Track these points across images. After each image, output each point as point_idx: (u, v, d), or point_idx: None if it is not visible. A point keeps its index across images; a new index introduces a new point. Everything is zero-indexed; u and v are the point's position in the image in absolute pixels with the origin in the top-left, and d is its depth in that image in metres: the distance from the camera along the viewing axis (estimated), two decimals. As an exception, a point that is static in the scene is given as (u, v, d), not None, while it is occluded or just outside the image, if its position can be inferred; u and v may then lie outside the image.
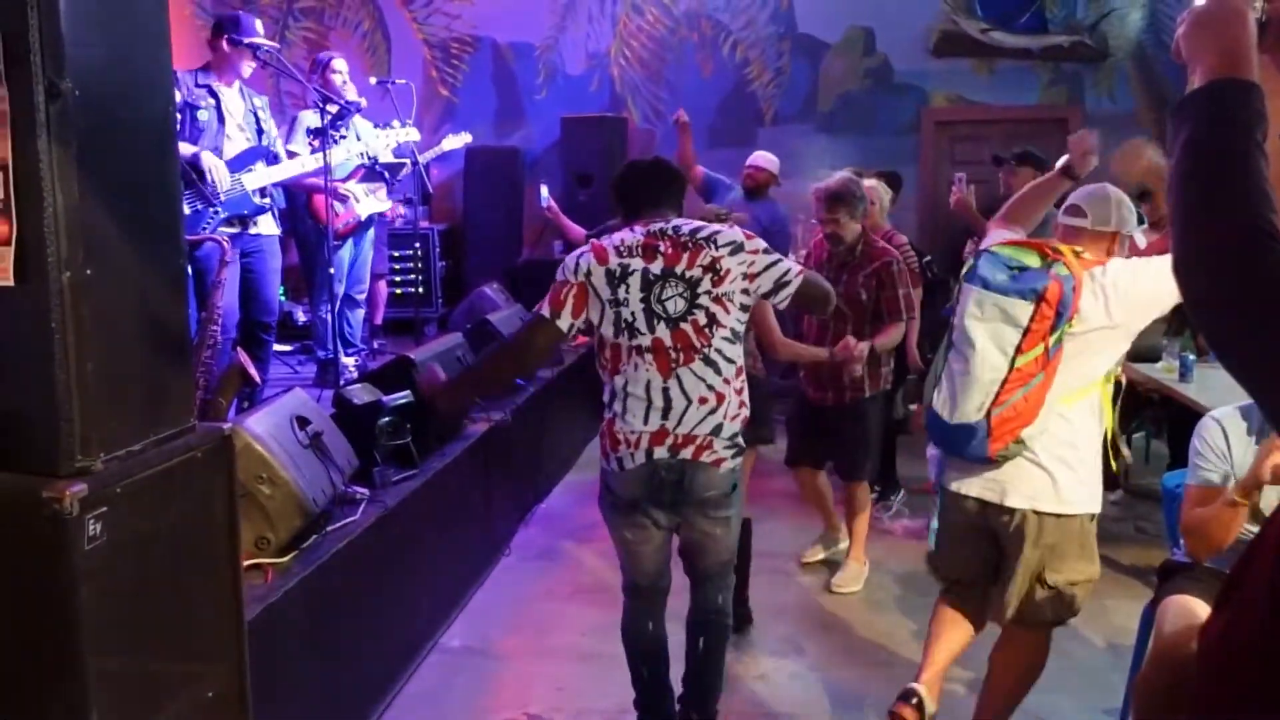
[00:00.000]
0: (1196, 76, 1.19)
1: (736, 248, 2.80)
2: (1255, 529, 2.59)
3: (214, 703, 2.28)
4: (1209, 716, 1.27)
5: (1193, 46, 1.20)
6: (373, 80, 5.59)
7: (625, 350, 2.81)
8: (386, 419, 3.69)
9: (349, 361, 5.33)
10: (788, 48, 7.87)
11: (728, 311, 2.79)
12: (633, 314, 2.78)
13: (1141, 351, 5.27)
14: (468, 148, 7.23)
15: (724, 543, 2.99)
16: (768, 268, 2.83)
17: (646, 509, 2.90)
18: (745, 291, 2.81)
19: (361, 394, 3.74)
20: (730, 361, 2.83)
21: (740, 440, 2.91)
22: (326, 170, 4.41)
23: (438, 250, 7.35)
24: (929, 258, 5.51)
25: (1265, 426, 2.67)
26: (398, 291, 7.39)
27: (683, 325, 2.77)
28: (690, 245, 2.79)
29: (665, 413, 2.79)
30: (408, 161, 5.38)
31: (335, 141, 4.52)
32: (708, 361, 2.79)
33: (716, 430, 2.82)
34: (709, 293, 2.77)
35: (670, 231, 2.82)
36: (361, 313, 5.70)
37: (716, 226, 2.87)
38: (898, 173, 5.77)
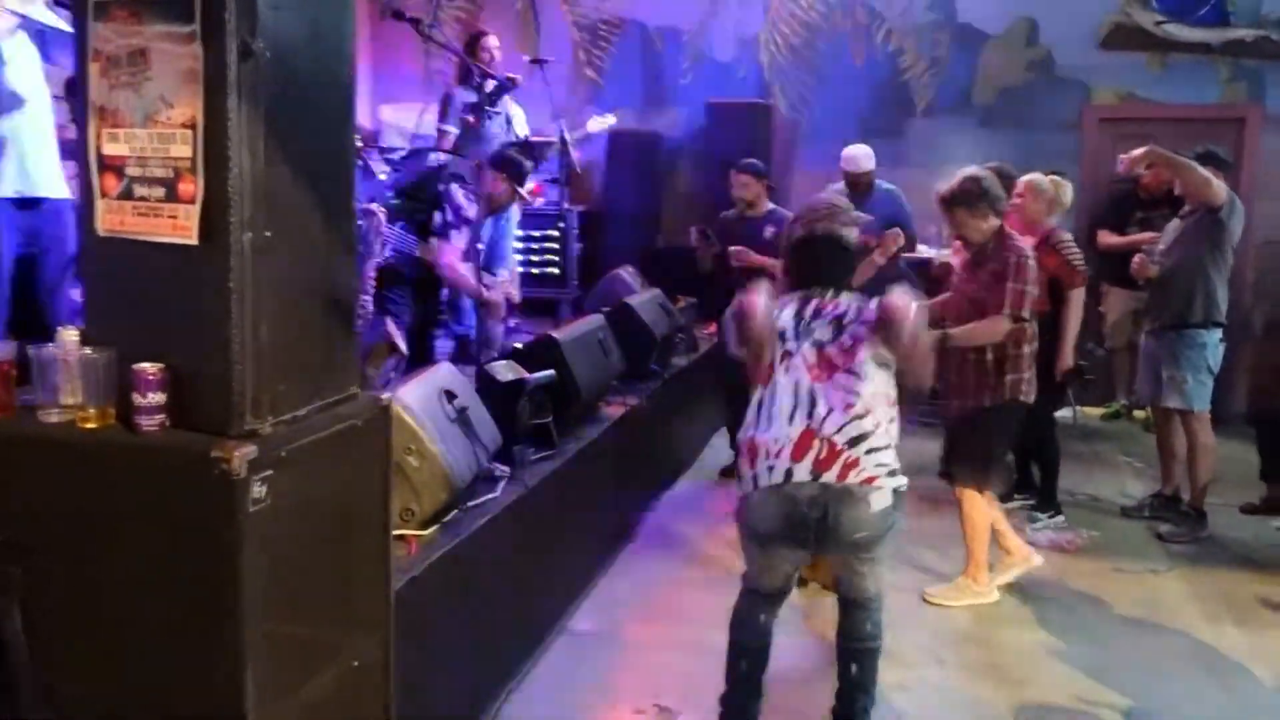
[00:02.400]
0: None
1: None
2: None
3: (358, 672, 2.30)
4: None
5: None
6: (526, 58, 5.58)
7: (776, 359, 2.89)
8: (529, 397, 3.68)
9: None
10: (945, 37, 7.59)
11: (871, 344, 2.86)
12: (783, 329, 2.90)
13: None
14: (610, 131, 7.22)
15: (873, 576, 2.95)
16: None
17: (781, 549, 2.90)
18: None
19: (505, 371, 3.73)
20: (875, 381, 2.84)
21: (896, 465, 2.84)
22: (484, 145, 4.42)
23: (575, 232, 7.35)
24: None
25: None
26: (534, 271, 7.41)
27: (828, 348, 2.87)
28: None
29: (810, 412, 2.79)
30: (555, 140, 5.37)
31: (490, 117, 4.53)
32: (852, 372, 2.84)
33: (863, 443, 2.77)
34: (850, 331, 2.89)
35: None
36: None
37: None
38: (1216, 152, 5.25)
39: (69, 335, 2.01)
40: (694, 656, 3.58)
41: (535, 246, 7.37)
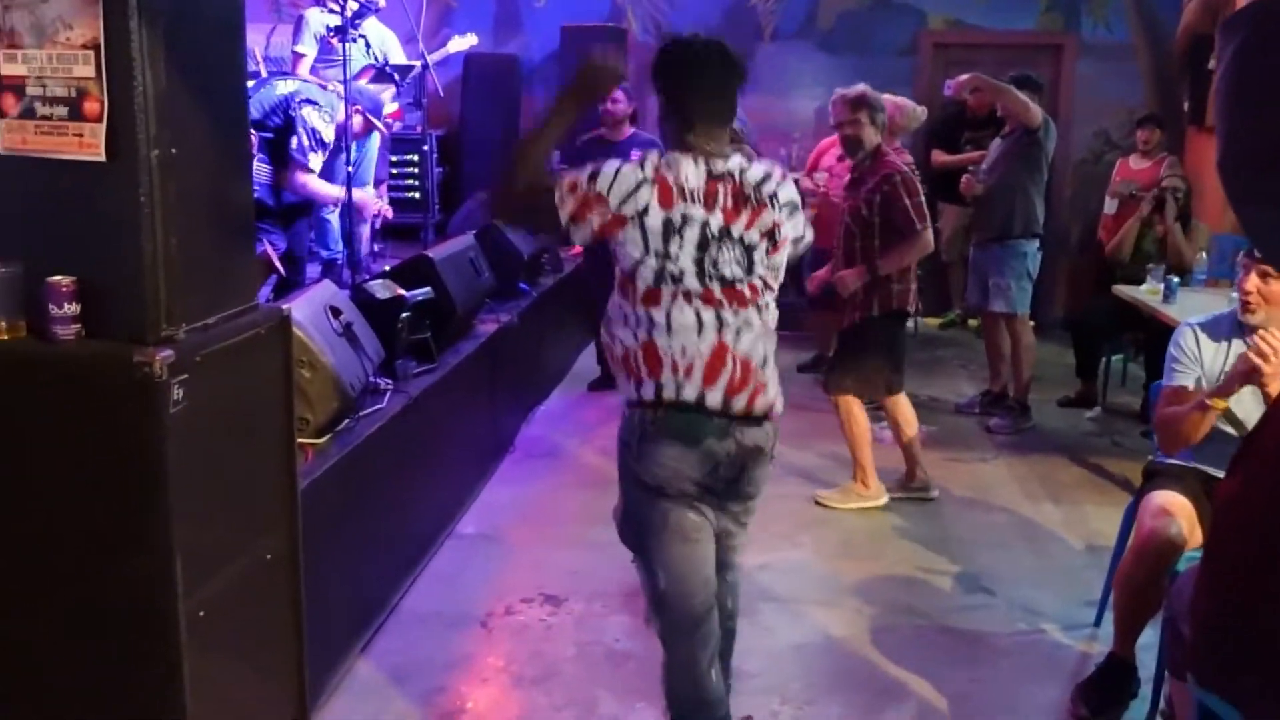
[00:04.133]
0: None
1: (793, 209, 2.44)
2: (1231, 429, 2.82)
3: (271, 564, 2.45)
4: (1224, 569, 1.45)
5: None
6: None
7: (668, 293, 2.30)
8: (408, 314, 3.81)
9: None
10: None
11: (773, 285, 2.43)
12: (681, 270, 2.29)
13: (1129, 274, 5.50)
14: (466, 54, 7.22)
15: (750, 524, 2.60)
16: (805, 228, 2.52)
17: (698, 497, 2.37)
18: (787, 256, 2.48)
19: (384, 289, 3.85)
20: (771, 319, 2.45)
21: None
22: (345, 69, 4.44)
23: (435, 156, 7.36)
24: None
25: (1231, 336, 2.93)
26: (395, 196, 7.41)
27: (737, 286, 2.33)
28: (754, 202, 2.35)
29: (720, 330, 2.30)
30: (417, 63, 5.40)
31: (353, 40, 4.54)
32: (758, 309, 2.38)
33: (769, 362, 2.41)
34: (764, 262, 2.36)
35: (734, 175, 2.34)
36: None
37: (776, 175, 2.43)
38: (1031, 76, 5.57)
39: (-32, 253, 2.07)
40: (574, 551, 3.86)
41: (395, 172, 7.36)
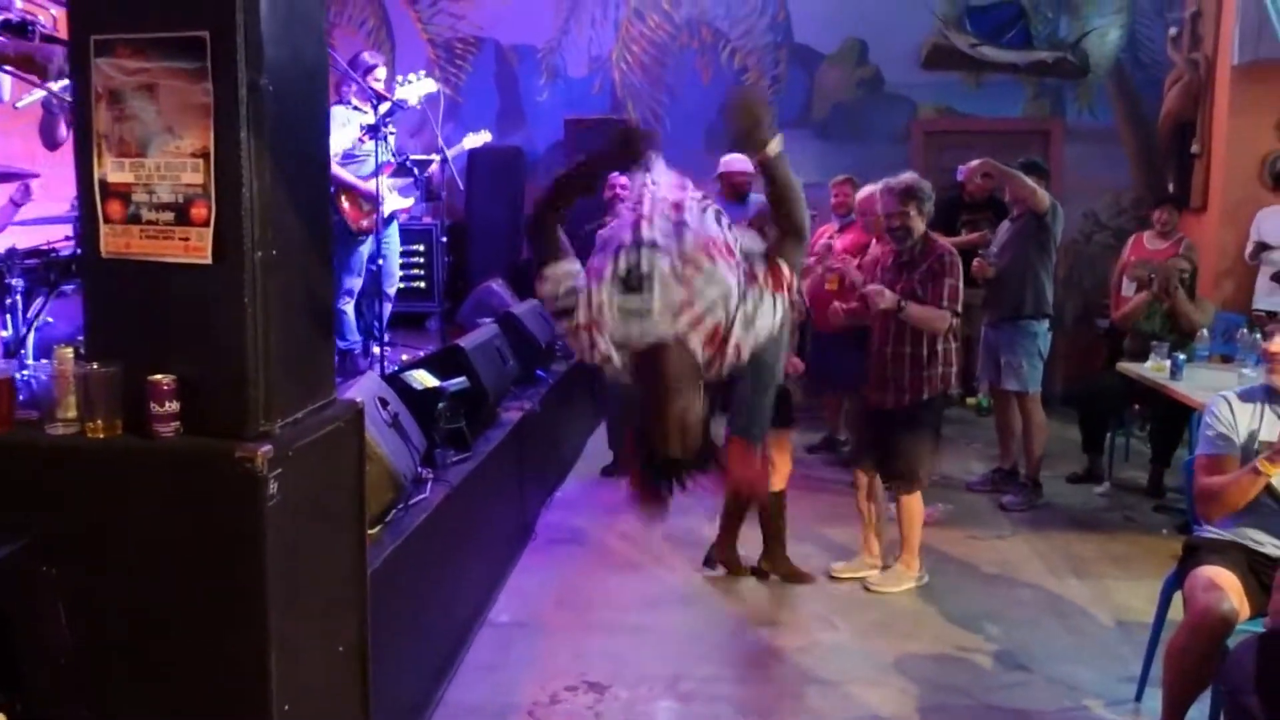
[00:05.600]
0: None
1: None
2: (1269, 499, 2.91)
3: (345, 655, 2.48)
4: None
5: None
6: (398, 78, 5.72)
7: None
8: (445, 403, 3.87)
9: (376, 351, 5.47)
10: (784, 56, 8.13)
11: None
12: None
13: (1134, 351, 5.64)
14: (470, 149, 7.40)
15: None
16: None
17: None
18: None
19: (422, 379, 3.91)
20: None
21: None
22: (378, 168, 4.58)
23: (442, 245, 7.49)
24: None
25: (1263, 401, 3.08)
26: (401, 285, 7.51)
27: None
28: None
29: None
30: (436, 158, 5.55)
31: (384, 139, 4.68)
32: None
33: None
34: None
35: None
36: (389, 307, 5.82)
37: None
38: (1038, 162, 5.81)
39: (65, 353, 2.13)
40: (612, 637, 3.87)
41: (402, 262, 7.47)
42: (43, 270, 3.98)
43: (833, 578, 4.50)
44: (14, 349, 3.77)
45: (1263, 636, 2.48)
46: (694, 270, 2.14)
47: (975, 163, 5.24)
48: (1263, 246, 6.60)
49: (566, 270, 2.22)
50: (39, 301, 3.93)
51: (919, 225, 4.32)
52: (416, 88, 5.24)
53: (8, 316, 3.89)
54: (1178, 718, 2.96)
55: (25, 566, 1.98)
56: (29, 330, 3.79)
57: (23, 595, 1.99)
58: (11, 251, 3.93)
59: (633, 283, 2.12)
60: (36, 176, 4.35)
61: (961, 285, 4.32)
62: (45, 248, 4.16)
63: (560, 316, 2.22)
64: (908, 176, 4.40)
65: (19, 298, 3.89)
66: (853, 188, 5.94)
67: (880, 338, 4.39)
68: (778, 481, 4.43)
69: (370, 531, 3.11)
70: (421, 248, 7.44)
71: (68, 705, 2.02)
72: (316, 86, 2.28)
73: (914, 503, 4.42)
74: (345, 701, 2.50)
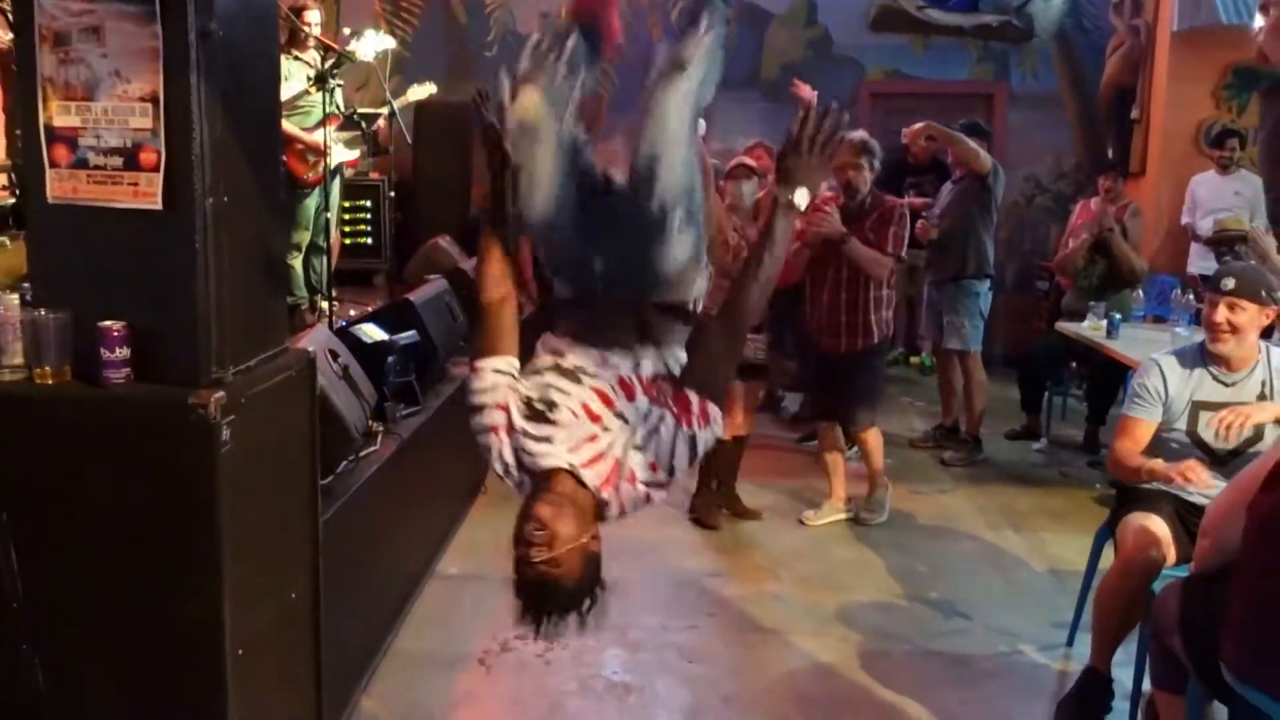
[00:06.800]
0: None
1: None
2: (1200, 452, 3.03)
3: (296, 604, 2.50)
4: (1261, 576, 1.62)
5: None
6: (346, 31, 5.65)
7: None
8: (395, 357, 3.87)
9: (324, 306, 5.44)
10: (734, 15, 8.09)
11: None
12: None
13: (1071, 310, 5.77)
14: (418, 102, 7.32)
15: None
16: None
17: None
18: None
19: (371, 333, 3.90)
20: None
21: None
22: (323, 120, 4.52)
23: (389, 202, 7.42)
24: None
25: (1195, 366, 3.14)
26: (348, 242, 7.44)
27: None
28: None
29: None
30: (384, 112, 5.49)
31: (330, 91, 4.62)
32: None
33: None
34: None
35: None
36: (324, 260, 5.77)
37: None
38: (980, 124, 5.95)
39: (9, 299, 2.11)
40: (563, 587, 3.90)
41: (348, 218, 7.39)
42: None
43: (803, 523, 4.67)
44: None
45: (1186, 580, 2.58)
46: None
47: (918, 125, 5.32)
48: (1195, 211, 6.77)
49: (497, 382, 2.04)
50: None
51: (868, 180, 4.48)
52: (372, 43, 5.18)
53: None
54: (1106, 657, 3.09)
55: (-26, 511, 1.97)
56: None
57: (-27, 540, 1.99)
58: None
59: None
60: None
61: (907, 236, 4.50)
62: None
63: (475, 412, 2.10)
64: (860, 132, 4.53)
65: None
66: (765, 152, 6.02)
67: (830, 286, 4.53)
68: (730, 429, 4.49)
69: (322, 482, 3.13)
70: (368, 203, 7.36)
71: (18, 649, 2.02)
72: (266, 34, 2.27)
73: (873, 435, 4.67)
74: (297, 647, 2.53)
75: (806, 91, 4.70)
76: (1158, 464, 3.00)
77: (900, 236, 4.47)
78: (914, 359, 7.84)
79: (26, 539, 2.03)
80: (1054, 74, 8.05)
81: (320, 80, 4.61)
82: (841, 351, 4.56)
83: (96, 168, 2.04)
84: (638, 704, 3.18)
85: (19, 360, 2.09)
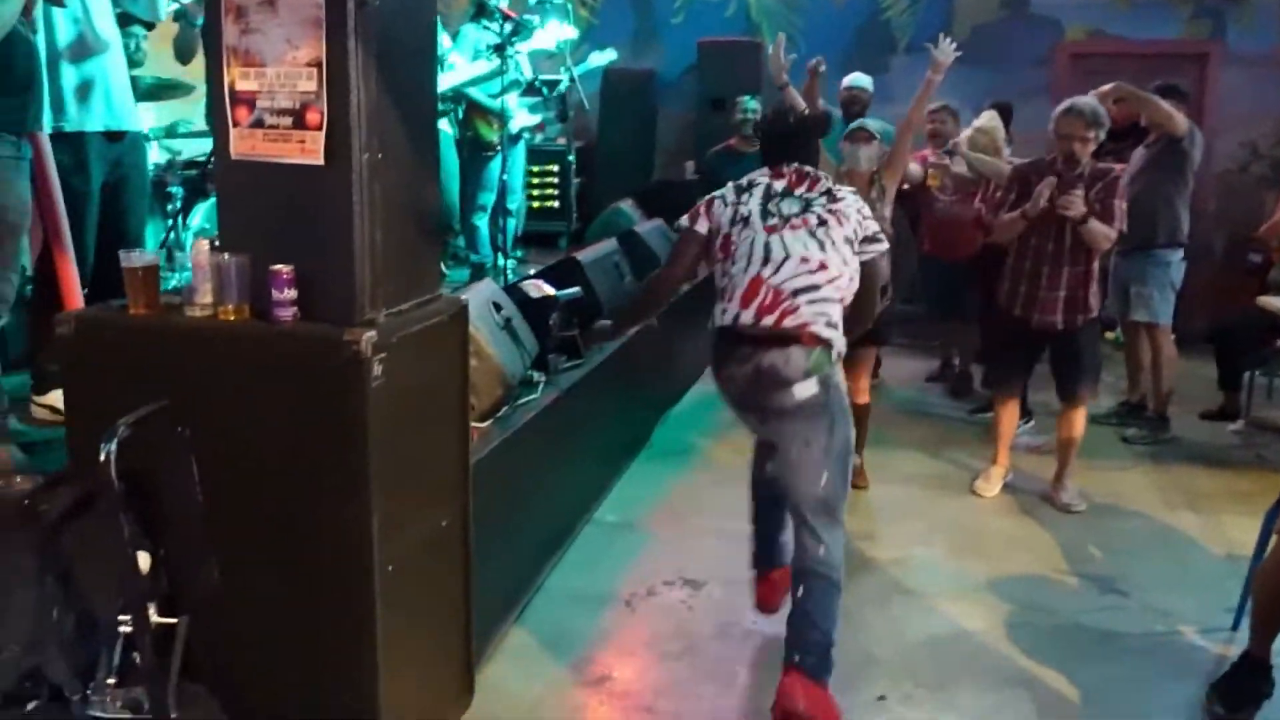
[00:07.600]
0: None
1: (855, 195, 3.06)
2: None
3: (447, 531, 2.71)
4: None
5: None
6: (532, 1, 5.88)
7: (738, 233, 2.98)
8: (558, 312, 4.07)
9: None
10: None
11: (840, 224, 2.94)
12: (749, 211, 2.98)
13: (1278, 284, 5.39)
14: (604, 68, 7.52)
15: (810, 467, 2.88)
16: (873, 223, 3.05)
17: (735, 409, 3.11)
18: (858, 225, 2.99)
19: (536, 288, 4.11)
20: (839, 252, 2.92)
21: (837, 322, 2.90)
22: (506, 86, 4.75)
23: (574, 167, 7.68)
24: None
25: None
26: (535, 205, 7.76)
27: (794, 219, 2.95)
28: (811, 178, 3.04)
29: (765, 260, 2.89)
30: (564, 78, 5.69)
31: (512, 57, 4.85)
32: (813, 234, 2.92)
33: (807, 294, 2.85)
34: (825, 206, 2.96)
35: (797, 169, 3.06)
36: (514, 222, 6.05)
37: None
38: (1177, 86, 5.66)
39: (202, 245, 2.38)
40: (713, 540, 4.03)
41: (536, 182, 7.70)
42: (199, 179, 4.34)
43: (975, 494, 4.63)
44: (175, 248, 4.15)
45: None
46: None
47: (1107, 87, 5.04)
48: None
49: None
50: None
51: (1089, 152, 4.31)
52: (554, 32, 5.41)
53: (170, 221, 4.27)
54: (1265, 643, 2.95)
55: (164, 426, 2.26)
56: (185, 231, 4.15)
57: (162, 451, 2.27)
58: (171, 162, 4.29)
59: None
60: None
61: (1124, 206, 4.33)
62: (201, 160, 4.52)
63: None
64: (1089, 100, 4.38)
65: (179, 203, 4.27)
66: (949, 115, 5.85)
67: (1050, 261, 4.35)
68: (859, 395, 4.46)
69: (480, 425, 3.35)
70: (555, 168, 7.64)
71: (199, 555, 2.31)
72: (422, 3, 2.45)
73: (1081, 413, 4.56)
74: (447, 569, 2.74)
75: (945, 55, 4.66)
76: None
77: (1123, 210, 4.31)
78: (1109, 334, 7.47)
79: (206, 453, 2.31)
80: (1275, 31, 7.43)
81: (499, 49, 4.83)
82: (1061, 327, 4.37)
83: (271, 127, 2.27)
84: (771, 650, 3.26)
85: (209, 299, 2.36)
